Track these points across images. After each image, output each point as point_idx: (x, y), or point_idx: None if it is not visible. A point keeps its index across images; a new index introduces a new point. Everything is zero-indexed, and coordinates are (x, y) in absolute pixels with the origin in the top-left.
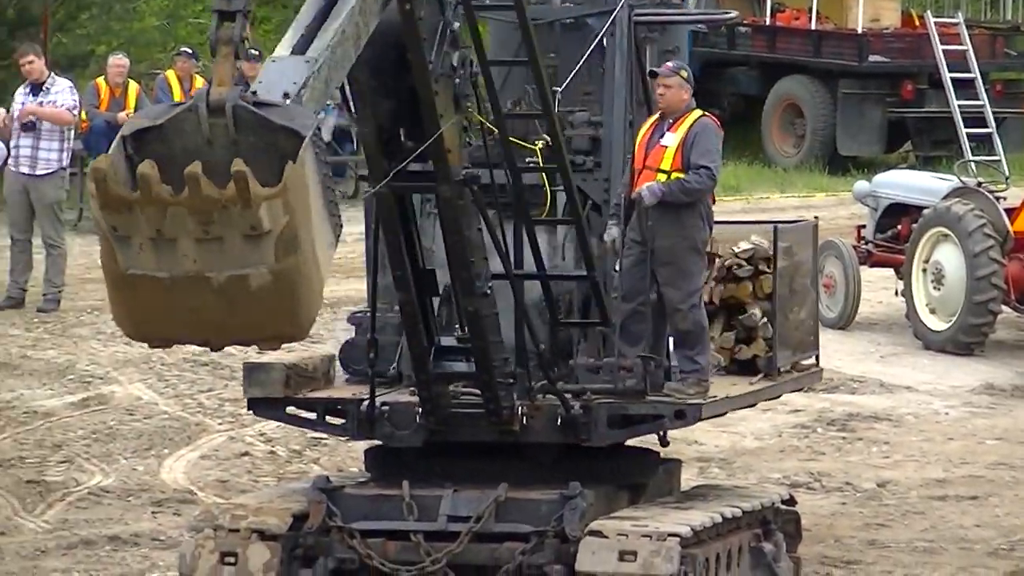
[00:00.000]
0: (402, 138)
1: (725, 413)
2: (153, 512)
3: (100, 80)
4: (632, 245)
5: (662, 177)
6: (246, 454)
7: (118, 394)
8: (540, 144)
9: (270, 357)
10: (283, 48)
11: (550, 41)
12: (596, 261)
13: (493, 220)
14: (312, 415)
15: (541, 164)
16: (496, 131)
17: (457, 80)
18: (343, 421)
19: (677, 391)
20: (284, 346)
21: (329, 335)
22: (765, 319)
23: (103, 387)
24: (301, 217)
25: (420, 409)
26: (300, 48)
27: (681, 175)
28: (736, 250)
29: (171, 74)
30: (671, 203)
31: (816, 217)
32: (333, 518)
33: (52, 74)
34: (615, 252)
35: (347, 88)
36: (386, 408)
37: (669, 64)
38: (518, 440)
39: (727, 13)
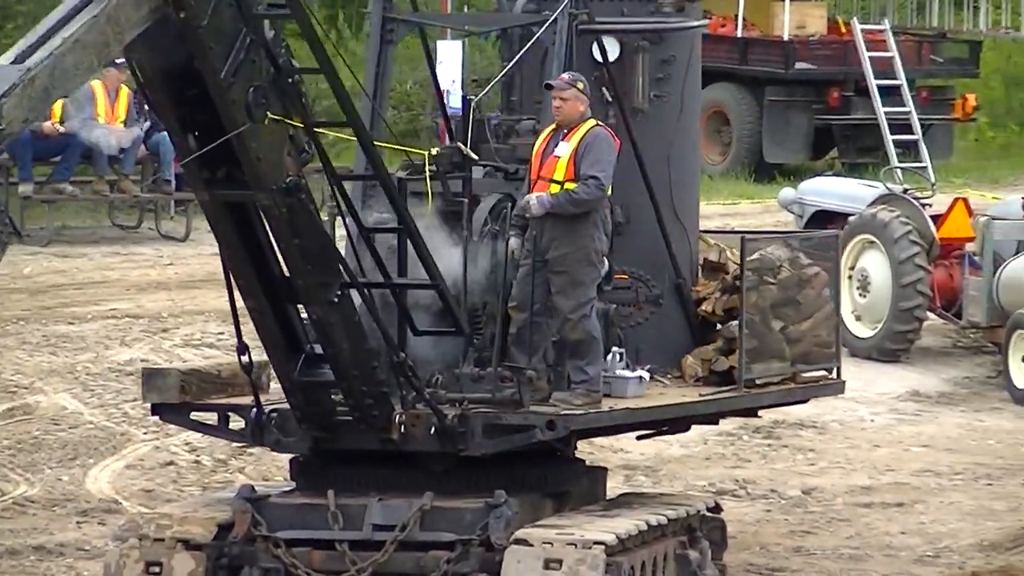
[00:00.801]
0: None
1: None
2: (78, 522)
3: None
4: (528, 255)
5: (555, 188)
6: (171, 463)
7: (43, 404)
8: (436, 150)
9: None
10: (6, 56)
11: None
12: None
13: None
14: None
15: (429, 172)
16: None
17: (252, 88)
18: (243, 427)
19: (563, 401)
20: (204, 352)
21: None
22: (748, 330)
23: (28, 397)
24: None
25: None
26: (23, 56)
27: (573, 186)
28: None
29: (97, 85)
30: (561, 214)
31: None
32: (258, 527)
33: None
34: (515, 261)
35: (148, 97)
36: (275, 415)
37: (565, 76)
38: (399, 448)
39: (702, 20)
